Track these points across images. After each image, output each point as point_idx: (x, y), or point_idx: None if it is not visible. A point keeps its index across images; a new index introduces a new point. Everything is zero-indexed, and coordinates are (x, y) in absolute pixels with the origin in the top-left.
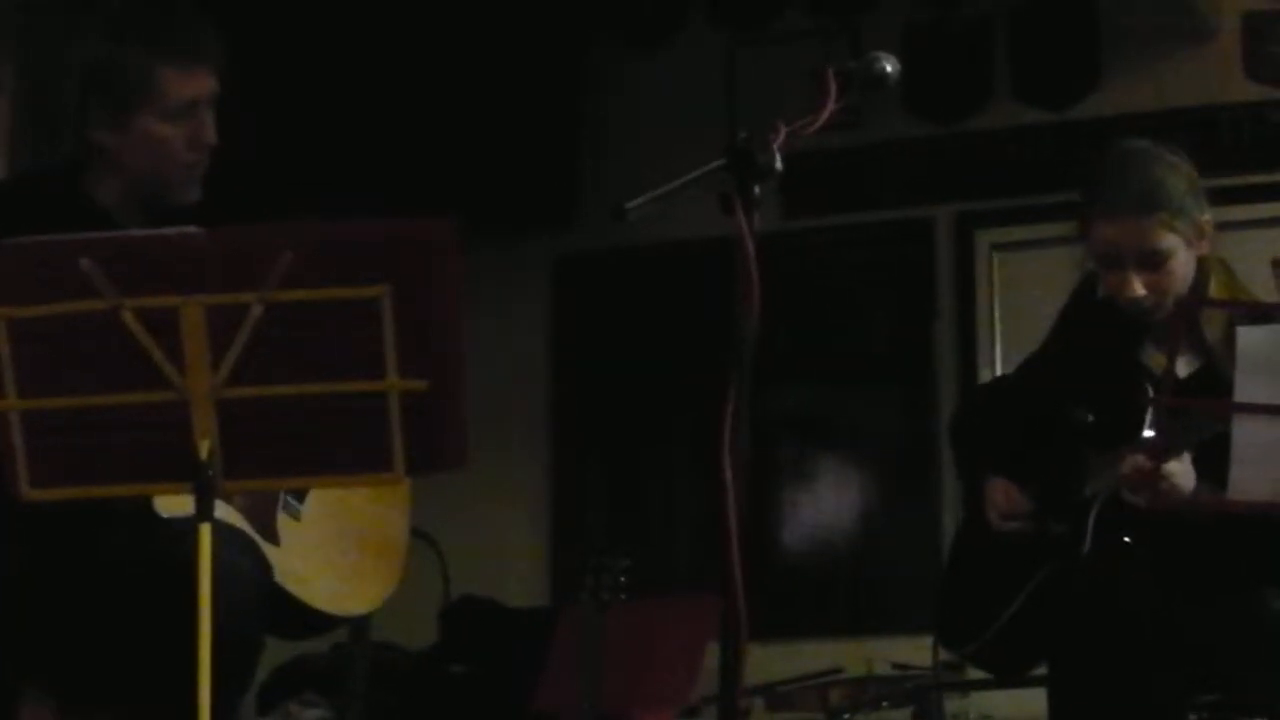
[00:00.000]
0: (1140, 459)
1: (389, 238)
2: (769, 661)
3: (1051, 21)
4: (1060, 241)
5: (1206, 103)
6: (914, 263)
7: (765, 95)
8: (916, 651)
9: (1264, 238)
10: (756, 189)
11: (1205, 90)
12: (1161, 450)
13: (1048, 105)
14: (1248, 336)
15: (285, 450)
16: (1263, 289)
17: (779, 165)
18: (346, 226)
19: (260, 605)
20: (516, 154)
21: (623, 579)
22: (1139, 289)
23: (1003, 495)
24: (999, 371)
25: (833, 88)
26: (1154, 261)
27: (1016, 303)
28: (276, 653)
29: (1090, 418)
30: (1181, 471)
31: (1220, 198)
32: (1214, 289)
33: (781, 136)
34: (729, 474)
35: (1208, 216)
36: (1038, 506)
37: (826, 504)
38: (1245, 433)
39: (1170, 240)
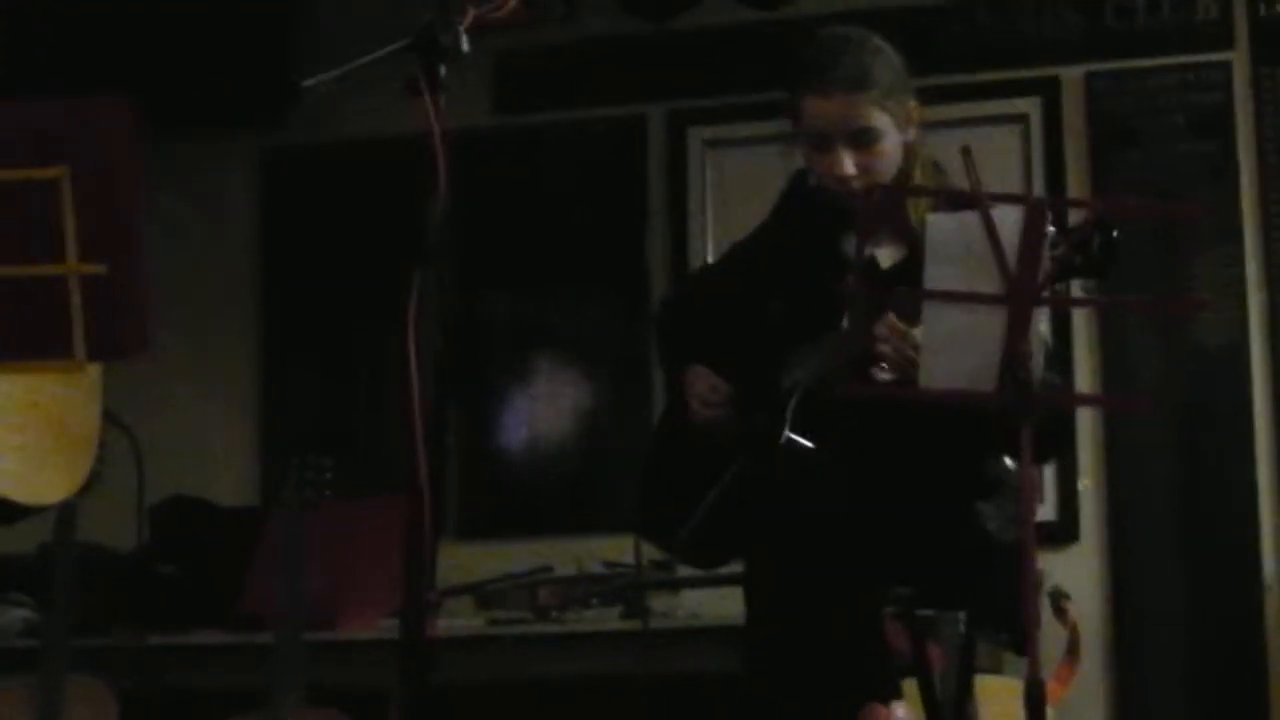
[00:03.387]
0: (893, 319)
1: (67, 118)
2: (482, 561)
3: None
4: (772, 139)
5: (917, 4)
6: (626, 161)
7: None
8: (629, 551)
9: (970, 136)
10: (442, 70)
11: None
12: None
13: (760, 4)
14: (937, 224)
15: None
16: (963, 183)
17: (465, 47)
18: (22, 107)
19: None
20: (228, 48)
21: (328, 477)
22: (850, 167)
23: (704, 382)
24: None
25: None
26: (864, 140)
27: (729, 201)
28: None
29: (783, 309)
30: None
31: (931, 97)
32: (919, 179)
33: (469, 19)
34: (414, 365)
35: (914, 104)
36: (735, 401)
37: (542, 408)
38: (935, 321)
39: (881, 119)
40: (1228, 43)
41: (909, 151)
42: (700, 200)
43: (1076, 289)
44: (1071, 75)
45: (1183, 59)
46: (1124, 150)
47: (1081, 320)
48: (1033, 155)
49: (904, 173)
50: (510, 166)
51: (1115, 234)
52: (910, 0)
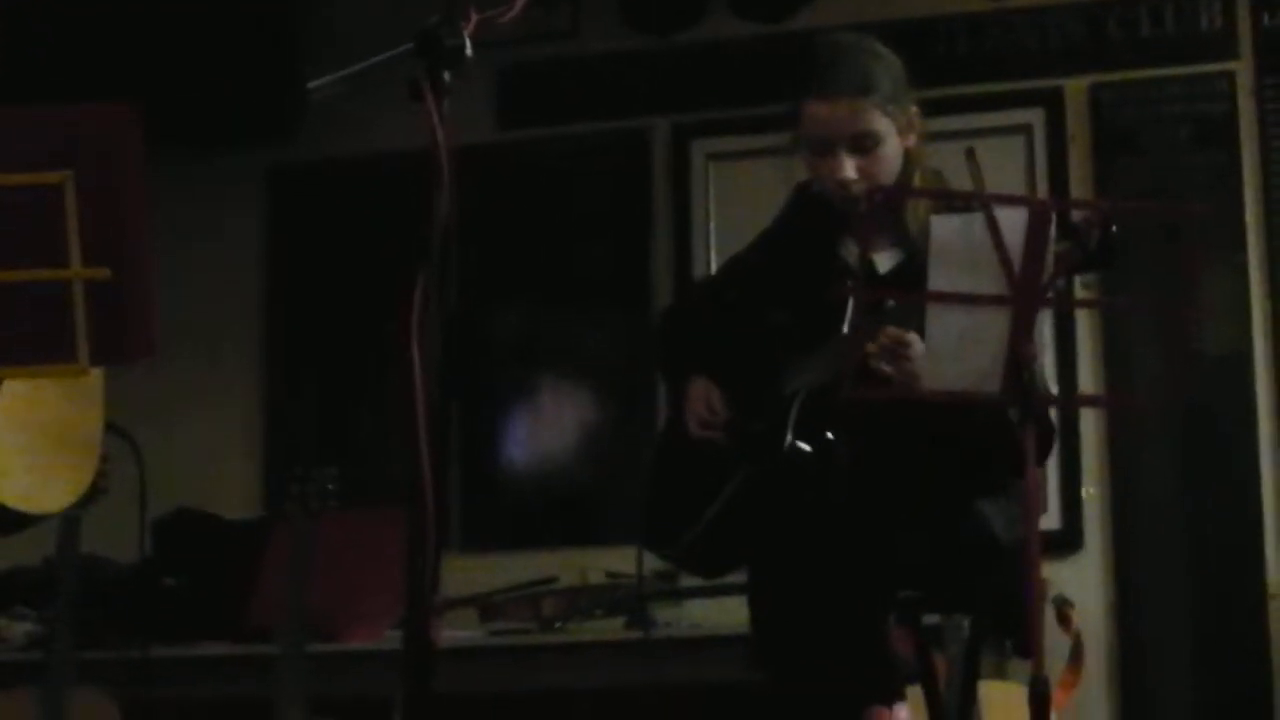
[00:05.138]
0: (894, 329)
1: (72, 123)
2: (485, 572)
3: None
4: (776, 152)
5: (923, 15)
6: (630, 175)
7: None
8: (632, 561)
9: (974, 147)
10: (446, 75)
11: (922, 2)
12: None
13: (763, 18)
14: (941, 226)
15: None
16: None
17: (469, 51)
18: (27, 111)
19: None
20: (234, 65)
21: (331, 488)
22: (851, 171)
23: (702, 400)
24: None
25: None
26: (866, 144)
27: (733, 214)
28: None
29: (783, 317)
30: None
31: (935, 109)
32: (919, 184)
33: (473, 24)
34: (418, 366)
35: (915, 110)
36: (737, 409)
37: (546, 420)
38: (939, 323)
39: (883, 124)
40: (1232, 53)
41: (909, 157)
42: (704, 213)
43: (1079, 289)
44: (1075, 86)
45: (1186, 69)
46: (1128, 161)
47: (1085, 329)
48: (1036, 166)
49: (904, 178)
50: (514, 181)
51: (1113, 228)
52: (913, 12)
